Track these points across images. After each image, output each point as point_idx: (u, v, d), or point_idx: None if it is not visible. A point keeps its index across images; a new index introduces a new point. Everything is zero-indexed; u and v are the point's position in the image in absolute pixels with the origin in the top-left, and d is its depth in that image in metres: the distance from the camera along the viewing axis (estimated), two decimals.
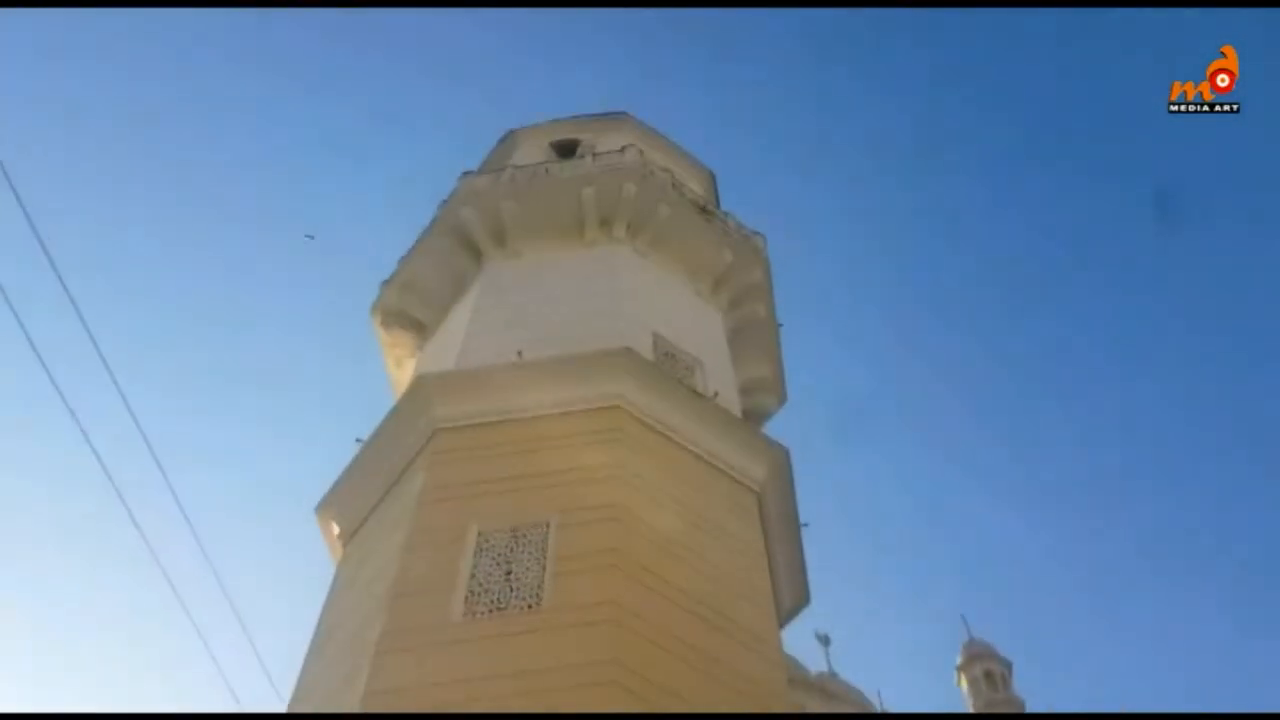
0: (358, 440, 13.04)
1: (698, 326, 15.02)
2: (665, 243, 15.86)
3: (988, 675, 16.07)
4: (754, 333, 16.44)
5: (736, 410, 13.62)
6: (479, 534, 10.15)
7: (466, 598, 9.52)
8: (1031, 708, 15.86)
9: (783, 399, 17.12)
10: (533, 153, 18.28)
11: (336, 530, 12.85)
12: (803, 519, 12.88)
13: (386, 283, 16.85)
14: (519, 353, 12.45)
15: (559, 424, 11.46)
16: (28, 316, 10.28)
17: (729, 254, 16.14)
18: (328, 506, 12.97)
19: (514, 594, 9.51)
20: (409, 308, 16.50)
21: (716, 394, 13.13)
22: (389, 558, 10.49)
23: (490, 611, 9.39)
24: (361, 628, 9.94)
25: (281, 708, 10.64)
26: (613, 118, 19.25)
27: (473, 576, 9.72)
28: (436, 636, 9.18)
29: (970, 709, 15.90)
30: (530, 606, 9.35)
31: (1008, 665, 16.30)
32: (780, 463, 12.62)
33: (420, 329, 16.49)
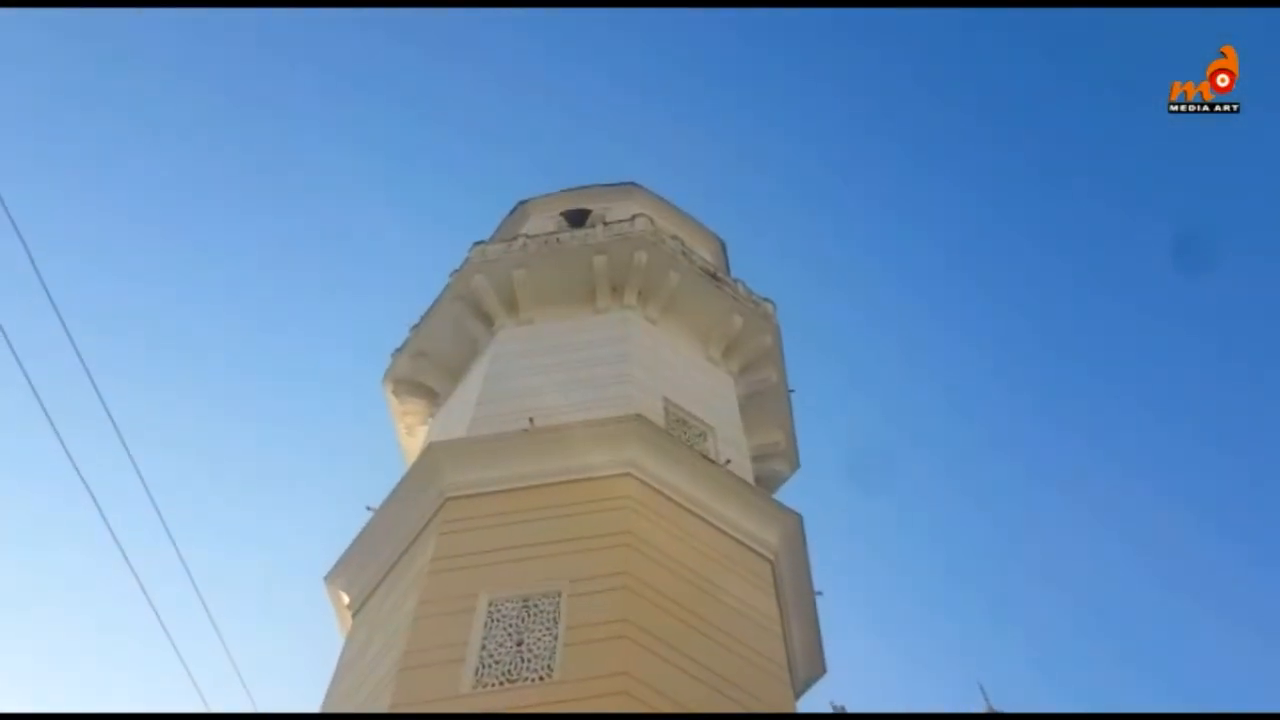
0: (368, 508, 13.03)
1: (709, 392, 15.05)
2: (676, 309, 15.98)
3: None
4: (766, 398, 16.45)
5: (749, 477, 13.58)
6: (489, 604, 10.07)
7: (477, 669, 9.41)
8: None
9: (795, 465, 17.06)
10: (544, 222, 18.53)
11: (346, 600, 12.77)
12: (818, 586, 12.76)
13: (398, 351, 16.98)
14: (530, 420, 12.47)
15: (570, 491, 11.43)
16: (40, 380, 10.36)
17: (739, 320, 16.24)
18: (337, 576, 12.90)
19: (525, 665, 9.40)
20: (421, 375, 16.60)
21: (729, 461, 13.09)
22: (398, 628, 10.41)
23: (501, 683, 9.27)
24: (370, 700, 9.83)
25: None
26: (623, 187, 19.55)
27: (484, 648, 9.62)
28: (446, 709, 9.06)
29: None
30: (542, 678, 9.24)
31: None
32: (793, 529, 12.52)
33: (432, 396, 16.57)
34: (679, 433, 13.24)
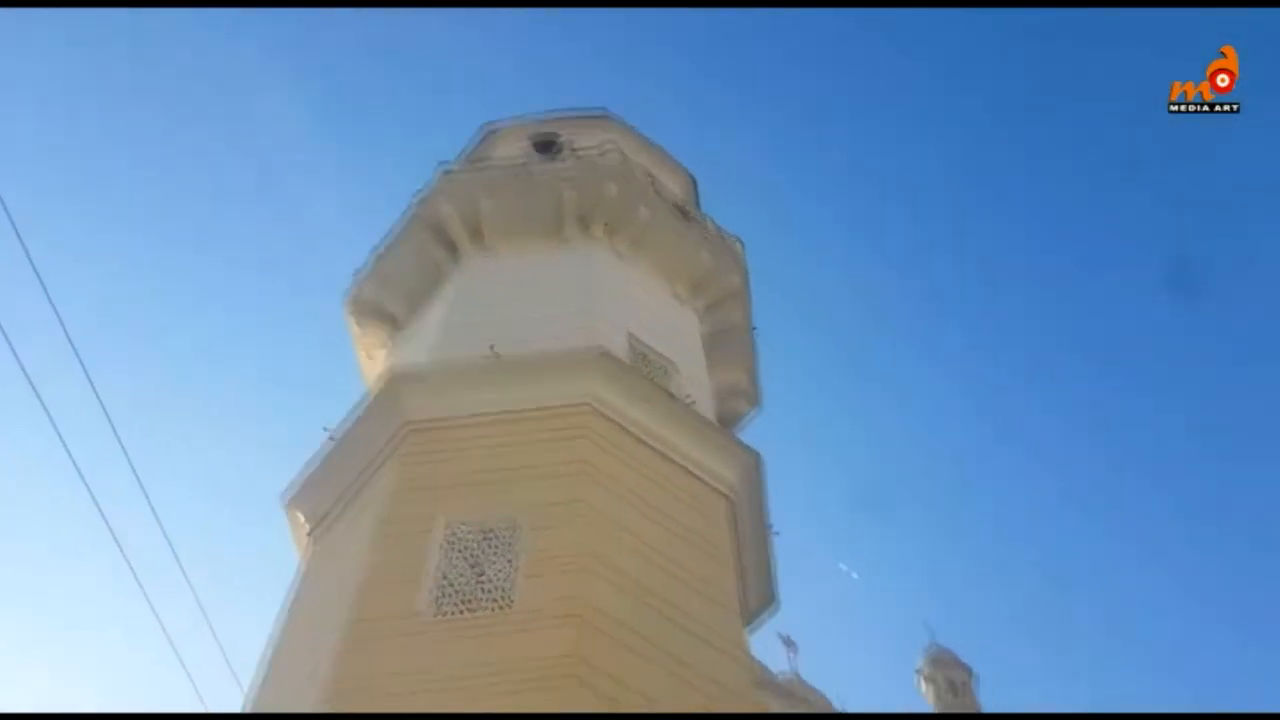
0: (325, 430, 12.95)
1: (673, 329, 15.06)
2: (644, 244, 15.88)
3: (949, 682, 16.25)
4: (730, 337, 16.49)
5: (710, 414, 13.67)
6: (449, 531, 10.13)
7: (436, 595, 9.51)
8: (991, 709, 16.01)
9: (757, 404, 17.19)
10: (511, 148, 18.21)
11: (304, 523, 12.77)
12: (773, 524, 12.95)
13: (360, 275, 16.74)
14: (493, 350, 12.42)
15: (531, 422, 11.45)
16: None
17: (707, 257, 16.20)
18: (295, 499, 12.87)
19: (484, 593, 9.50)
20: (382, 301, 16.41)
21: (690, 397, 13.16)
22: (357, 553, 10.45)
23: (460, 610, 9.38)
24: (327, 621, 9.90)
25: (243, 699, 10.57)
26: (593, 116, 19.21)
27: (442, 575, 9.71)
28: (404, 632, 9.16)
29: (932, 711, 16.06)
30: (501, 607, 9.35)
31: (969, 672, 16.47)
32: (752, 468, 12.67)
33: (393, 322, 16.41)
34: (642, 368, 13.26)
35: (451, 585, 9.62)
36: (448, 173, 16.55)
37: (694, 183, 19.69)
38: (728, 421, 15.90)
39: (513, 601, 9.36)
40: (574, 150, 16.92)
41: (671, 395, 12.85)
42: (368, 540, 10.38)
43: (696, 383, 13.99)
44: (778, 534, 12.89)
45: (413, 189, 16.77)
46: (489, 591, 9.51)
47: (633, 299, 14.84)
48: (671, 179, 18.66)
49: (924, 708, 16.30)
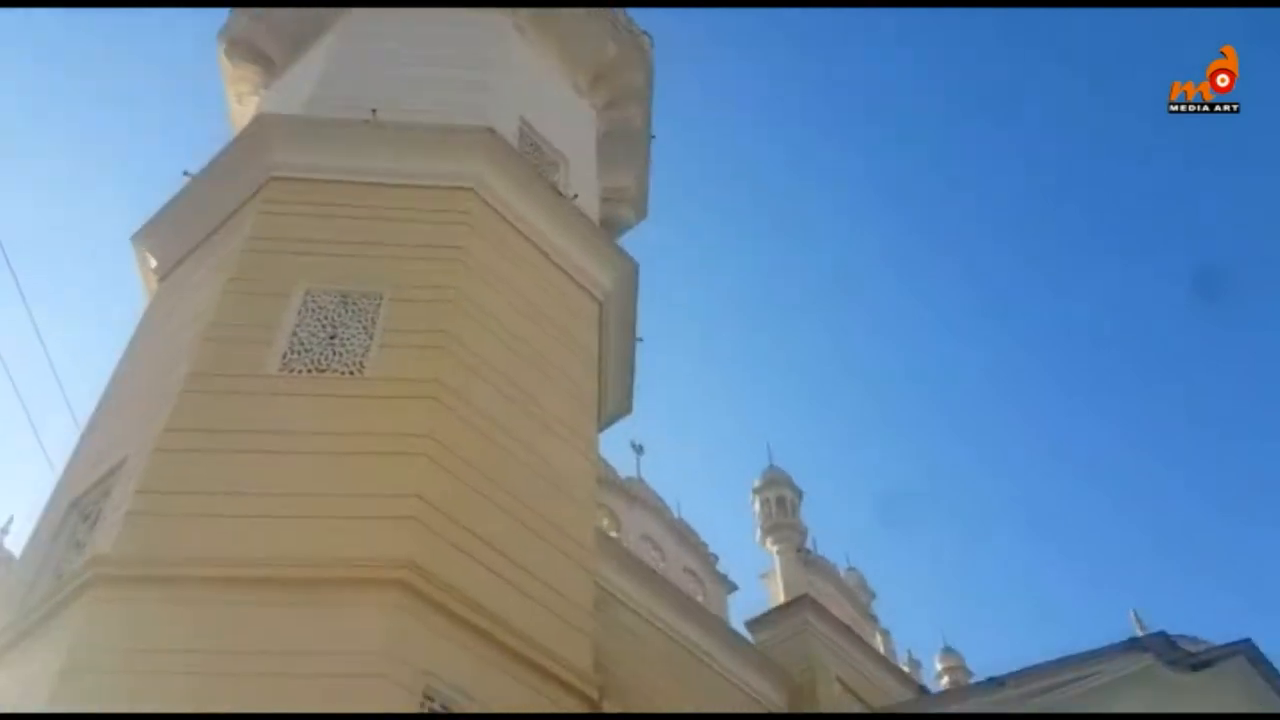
0: (186, 174, 12.16)
1: (568, 121, 14.47)
2: (548, 22, 14.96)
3: (780, 500, 17.20)
4: (625, 139, 16.00)
5: (594, 216, 13.39)
6: (306, 293, 9.75)
7: (285, 353, 9.23)
8: (814, 535, 17.14)
9: (643, 214, 16.95)
10: None
11: (153, 264, 12.12)
12: (641, 333, 13.03)
13: (237, 9, 15.33)
14: (373, 111, 11.67)
15: (406, 196, 10.95)
16: None
17: (613, 48, 15.42)
18: (146, 237, 12.16)
19: (336, 358, 9.27)
20: (259, 40, 15.11)
21: (576, 195, 12.82)
22: (206, 300, 10.00)
23: (309, 371, 9.15)
24: (170, 366, 9.55)
25: (77, 440, 10.25)
26: None
27: (294, 334, 9.40)
28: (248, 385, 8.93)
29: (759, 528, 17.03)
30: (352, 373, 9.17)
31: (799, 494, 17.45)
32: (628, 276, 12.60)
33: (269, 66, 15.19)
34: (530, 156, 12.77)
35: (303, 345, 9.34)
36: None
37: None
38: (610, 227, 15.64)
39: (364, 369, 9.18)
40: None
41: (558, 191, 12.48)
42: (219, 290, 9.92)
43: (584, 182, 13.60)
44: (641, 340, 12.98)
45: None
46: (341, 356, 9.29)
47: (530, 82, 14.11)
48: None
49: (754, 522, 17.26)
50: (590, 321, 12.02)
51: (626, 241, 14.58)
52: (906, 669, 17.24)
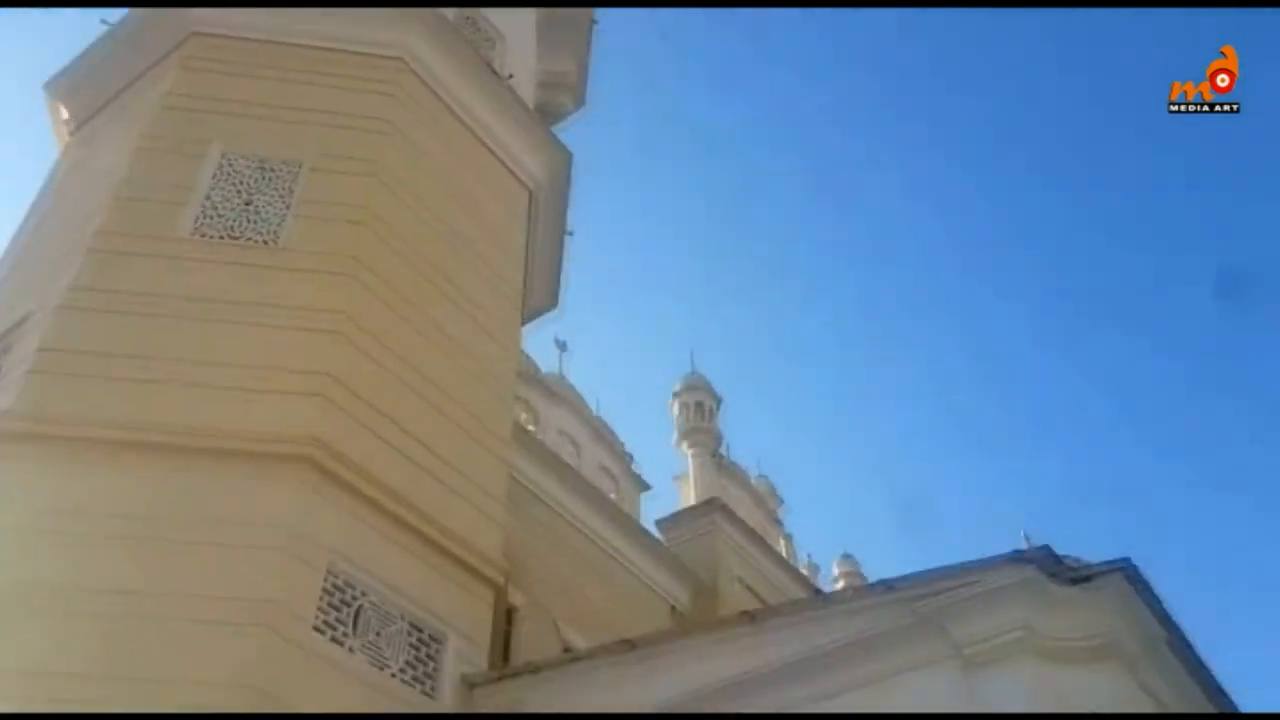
0: (104, 23, 11.48)
1: None
2: None
3: (698, 405, 17.41)
4: (567, 23, 15.40)
5: (529, 101, 13.00)
6: (223, 155, 9.36)
7: (197, 217, 8.90)
8: (729, 440, 17.45)
9: (581, 102, 16.48)
10: None
11: (65, 115, 11.51)
12: (572, 228, 12.84)
13: None
14: None
15: (334, 61, 10.48)
16: None
17: None
18: (58, 87, 11.55)
19: (250, 226, 8.96)
20: None
21: (512, 76, 12.42)
22: (119, 157, 9.56)
23: (222, 237, 8.85)
24: (79, 223, 9.20)
25: None
26: None
27: (208, 198, 9.05)
28: (158, 248, 8.63)
29: (676, 431, 17.26)
30: (266, 243, 8.88)
31: (717, 400, 17.68)
32: (561, 165, 12.34)
33: None
34: (467, 31, 12.28)
35: (216, 211, 9.01)
36: None
37: None
38: (546, 114, 15.22)
39: (279, 239, 8.90)
40: None
41: (494, 71, 12.08)
42: (132, 147, 9.49)
43: (521, 64, 13.17)
44: (571, 234, 12.80)
45: None
46: (256, 225, 8.99)
47: None
48: None
49: (672, 426, 17.47)
50: (519, 210, 11.80)
51: (561, 131, 14.19)
52: (806, 572, 17.86)
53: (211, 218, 8.92)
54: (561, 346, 15.68)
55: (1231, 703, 7.17)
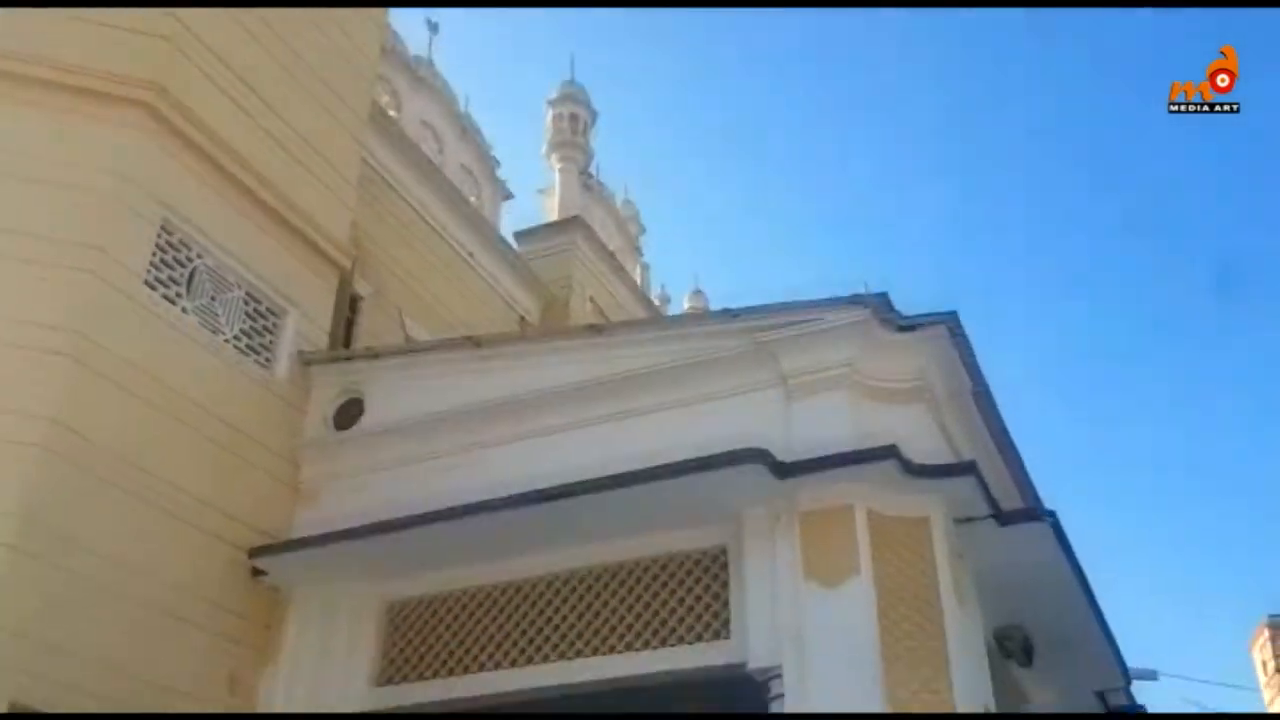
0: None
1: None
2: None
3: (573, 118, 16.84)
4: None
5: None
6: None
7: None
8: (599, 161, 17.10)
9: None
10: None
11: None
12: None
13: None
14: None
15: None
16: None
17: None
18: None
19: None
20: None
21: None
22: None
23: None
24: None
25: None
26: None
27: None
28: None
29: (545, 142, 16.73)
30: None
31: (593, 115, 17.10)
32: None
33: None
34: None
35: None
36: None
37: None
38: None
39: None
40: None
41: None
42: None
43: None
44: None
45: None
46: None
47: None
48: None
49: (542, 136, 16.92)
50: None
51: None
52: (657, 302, 18.32)
53: None
54: (433, 28, 14.54)
55: (1019, 458, 7.80)
